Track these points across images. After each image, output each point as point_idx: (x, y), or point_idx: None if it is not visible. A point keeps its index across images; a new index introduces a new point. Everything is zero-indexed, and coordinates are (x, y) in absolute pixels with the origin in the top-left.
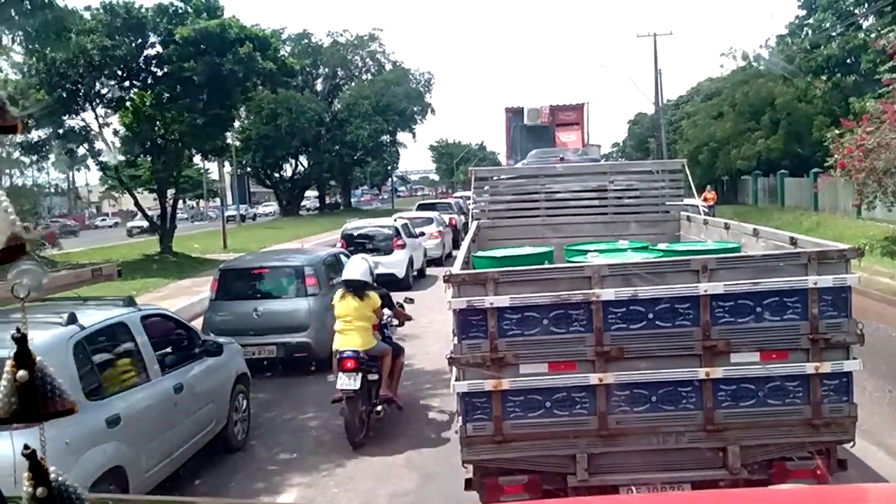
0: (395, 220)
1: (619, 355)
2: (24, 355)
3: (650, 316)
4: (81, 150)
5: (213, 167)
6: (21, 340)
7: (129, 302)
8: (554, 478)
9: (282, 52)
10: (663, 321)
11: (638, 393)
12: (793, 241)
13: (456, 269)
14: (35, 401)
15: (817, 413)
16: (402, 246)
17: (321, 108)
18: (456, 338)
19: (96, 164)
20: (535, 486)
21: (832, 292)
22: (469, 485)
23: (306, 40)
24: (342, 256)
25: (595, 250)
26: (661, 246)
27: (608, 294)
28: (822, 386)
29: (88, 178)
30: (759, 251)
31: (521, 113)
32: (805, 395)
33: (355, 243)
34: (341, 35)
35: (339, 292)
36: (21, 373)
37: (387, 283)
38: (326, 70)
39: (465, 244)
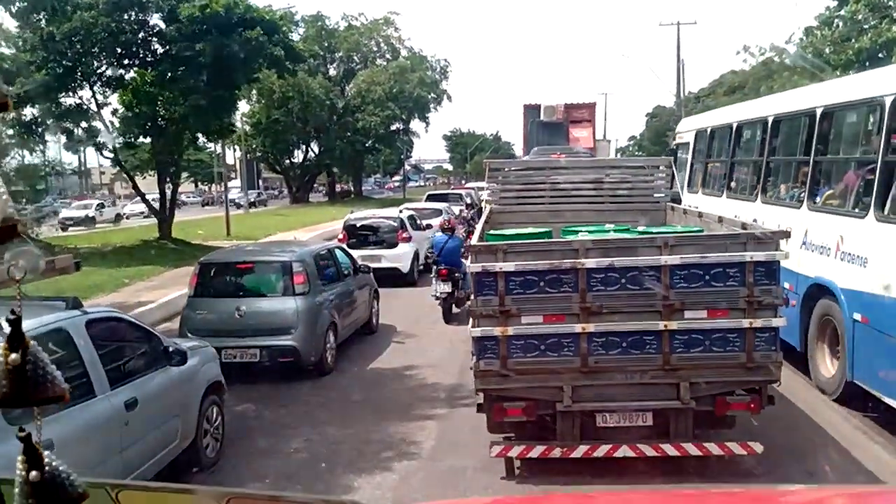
0: (401, 212)
1: (598, 310)
2: (16, 338)
3: (623, 280)
4: (79, 131)
5: (227, 151)
6: (14, 323)
7: (74, 303)
8: (545, 404)
9: (292, 36)
10: (633, 285)
11: (612, 340)
12: (744, 227)
13: (474, 242)
14: (26, 386)
15: (751, 359)
16: (408, 239)
17: (334, 94)
18: (473, 294)
19: (94, 146)
20: (531, 409)
21: (764, 265)
22: (480, 408)
23: (320, 23)
24: (338, 251)
25: (586, 231)
26: (640, 228)
27: (591, 263)
28: (755, 338)
29: (101, 159)
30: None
31: (537, 109)
32: (742, 344)
33: (358, 235)
34: (356, 19)
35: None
36: (13, 356)
37: (390, 279)
38: (340, 55)
39: (479, 224)
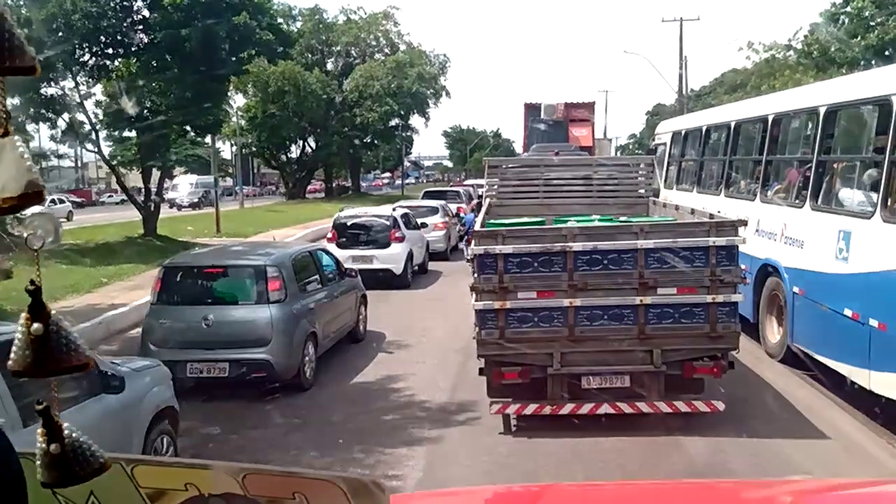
0: (394, 210)
1: (584, 287)
2: (38, 308)
3: (605, 262)
4: (62, 123)
5: (224, 146)
6: (35, 293)
7: None
8: (538, 368)
9: (280, 21)
10: (614, 265)
11: (595, 313)
12: (711, 217)
13: (476, 228)
14: (49, 355)
15: (713, 329)
16: (401, 239)
17: (331, 88)
18: (476, 274)
19: (76, 139)
20: (526, 373)
21: (725, 249)
22: (481, 372)
23: (318, 17)
24: (320, 253)
25: (574, 220)
26: (621, 218)
27: (578, 246)
28: (717, 311)
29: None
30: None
31: (538, 108)
32: (706, 317)
33: (348, 234)
34: (355, 13)
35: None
36: (35, 326)
37: (382, 281)
38: (338, 49)
39: (480, 215)
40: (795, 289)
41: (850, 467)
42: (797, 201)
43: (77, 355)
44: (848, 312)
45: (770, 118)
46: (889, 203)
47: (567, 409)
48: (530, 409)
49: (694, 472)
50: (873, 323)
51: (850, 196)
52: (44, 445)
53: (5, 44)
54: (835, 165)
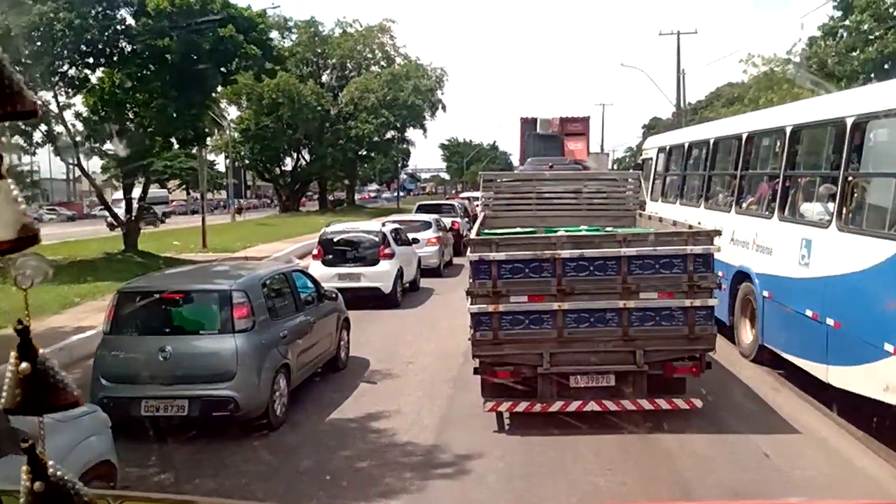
0: (384, 226)
1: (571, 292)
2: (26, 347)
3: (591, 268)
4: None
5: (219, 159)
6: (23, 332)
7: None
8: (529, 367)
9: (272, 36)
10: (599, 271)
11: (582, 316)
12: (690, 227)
13: (472, 236)
14: (37, 393)
15: (692, 331)
16: (390, 256)
17: (325, 101)
18: (471, 279)
19: (53, 150)
20: (518, 372)
21: (702, 257)
22: (476, 371)
23: (313, 29)
24: (296, 274)
25: (563, 230)
26: (608, 228)
27: (566, 254)
28: (695, 314)
29: (90, 165)
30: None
31: (534, 123)
32: (684, 319)
33: (334, 250)
34: (351, 25)
35: None
36: (23, 365)
37: (369, 300)
38: (334, 61)
39: (476, 225)
40: (765, 293)
41: (815, 458)
42: (766, 213)
43: (65, 394)
44: (809, 313)
45: (744, 136)
46: (843, 213)
47: (556, 406)
48: (521, 406)
49: (672, 467)
50: (830, 322)
51: (811, 208)
52: (28, 484)
53: (6, 90)
54: (799, 180)
